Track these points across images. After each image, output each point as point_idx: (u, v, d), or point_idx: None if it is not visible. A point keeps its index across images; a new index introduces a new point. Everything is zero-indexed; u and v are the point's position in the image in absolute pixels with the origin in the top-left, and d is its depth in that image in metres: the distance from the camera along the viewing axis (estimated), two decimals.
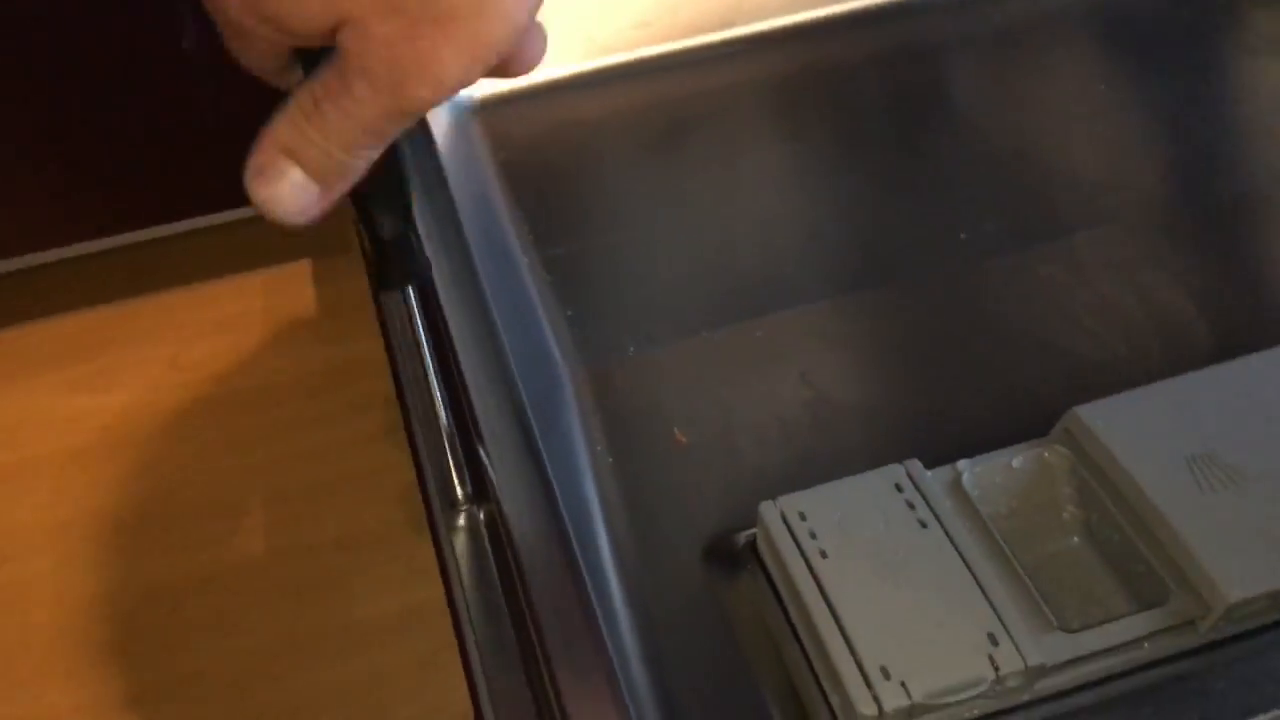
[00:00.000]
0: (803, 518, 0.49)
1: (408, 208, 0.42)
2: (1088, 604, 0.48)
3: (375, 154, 0.34)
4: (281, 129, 0.33)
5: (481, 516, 0.56)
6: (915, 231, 0.69)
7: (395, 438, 0.90)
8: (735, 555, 0.52)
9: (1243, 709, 0.42)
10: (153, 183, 1.04)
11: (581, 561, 0.50)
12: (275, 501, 1.00)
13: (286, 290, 1.15)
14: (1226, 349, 0.57)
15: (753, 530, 0.52)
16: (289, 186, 0.33)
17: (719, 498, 0.55)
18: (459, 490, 0.55)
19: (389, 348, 0.65)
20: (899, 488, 0.50)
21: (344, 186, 0.34)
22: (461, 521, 0.56)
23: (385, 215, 0.41)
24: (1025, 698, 0.45)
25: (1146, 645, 0.45)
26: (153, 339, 1.11)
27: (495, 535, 0.54)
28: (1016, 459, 0.51)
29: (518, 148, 0.79)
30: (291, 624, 0.89)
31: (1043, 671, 0.44)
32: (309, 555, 0.94)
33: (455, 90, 0.32)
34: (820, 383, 0.60)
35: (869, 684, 0.43)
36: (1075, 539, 0.51)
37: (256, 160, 0.33)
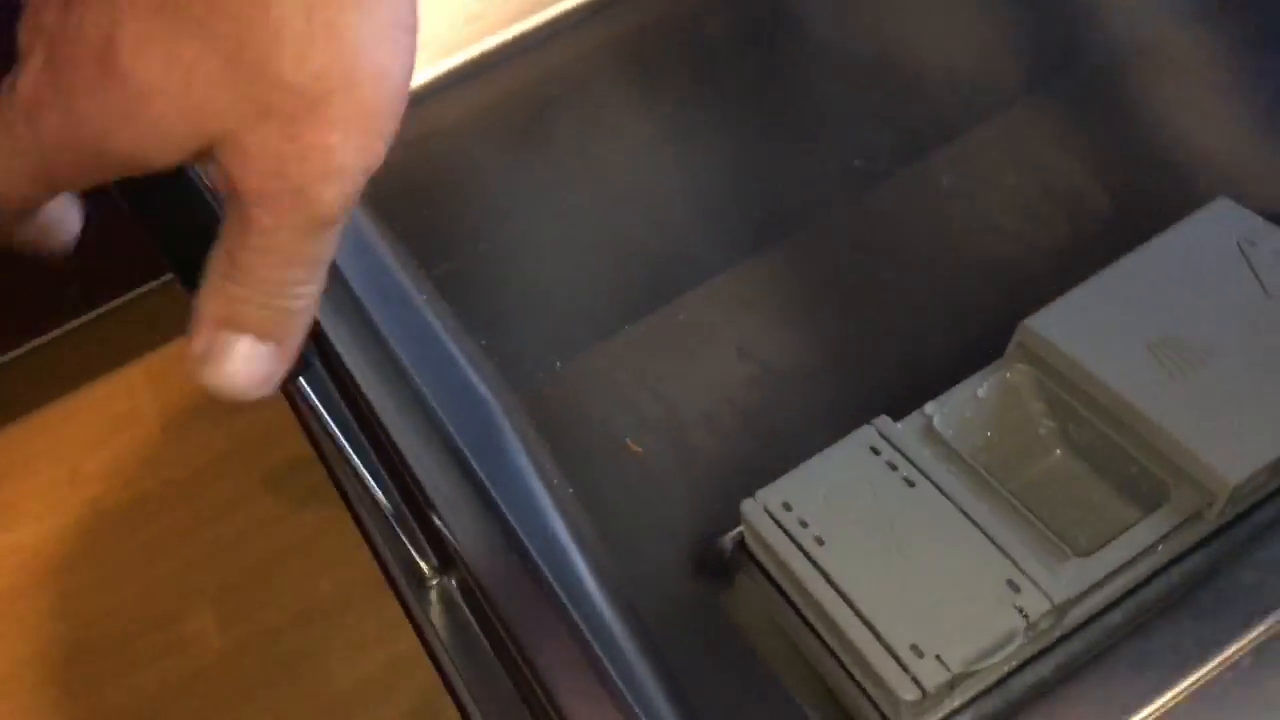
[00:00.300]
0: (788, 507, 0.47)
1: None
2: (1089, 518, 0.47)
3: (319, 286, 0.30)
4: (208, 302, 0.29)
5: (454, 584, 0.52)
6: (807, 170, 0.67)
7: (324, 495, 0.85)
8: (726, 561, 0.49)
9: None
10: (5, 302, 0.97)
11: (572, 611, 0.47)
12: (221, 595, 0.95)
13: (171, 373, 1.09)
14: (1144, 217, 0.56)
15: (738, 530, 0.49)
16: (241, 360, 0.29)
17: (692, 502, 0.52)
18: (424, 566, 0.51)
19: (309, 436, 0.60)
20: (875, 450, 0.48)
21: (300, 335, 0.30)
22: (434, 597, 0.52)
23: None
24: (1057, 634, 0.43)
25: (1160, 549, 0.44)
26: (47, 459, 1.04)
27: (475, 604, 0.51)
28: (980, 388, 0.50)
29: (377, 174, 0.74)
30: (275, 713, 0.85)
31: (1069, 604, 0.43)
32: (271, 639, 0.90)
33: (363, 176, 0.28)
34: (759, 353, 0.58)
35: (904, 667, 0.41)
36: (1057, 452, 0.50)
37: (196, 346, 0.29)
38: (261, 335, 0.29)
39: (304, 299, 0.29)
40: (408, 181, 0.73)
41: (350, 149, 0.27)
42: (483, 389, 0.59)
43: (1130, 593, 0.44)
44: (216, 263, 0.29)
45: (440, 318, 0.63)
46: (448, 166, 0.74)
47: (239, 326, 0.29)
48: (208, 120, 0.27)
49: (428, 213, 0.71)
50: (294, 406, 0.65)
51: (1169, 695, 0.39)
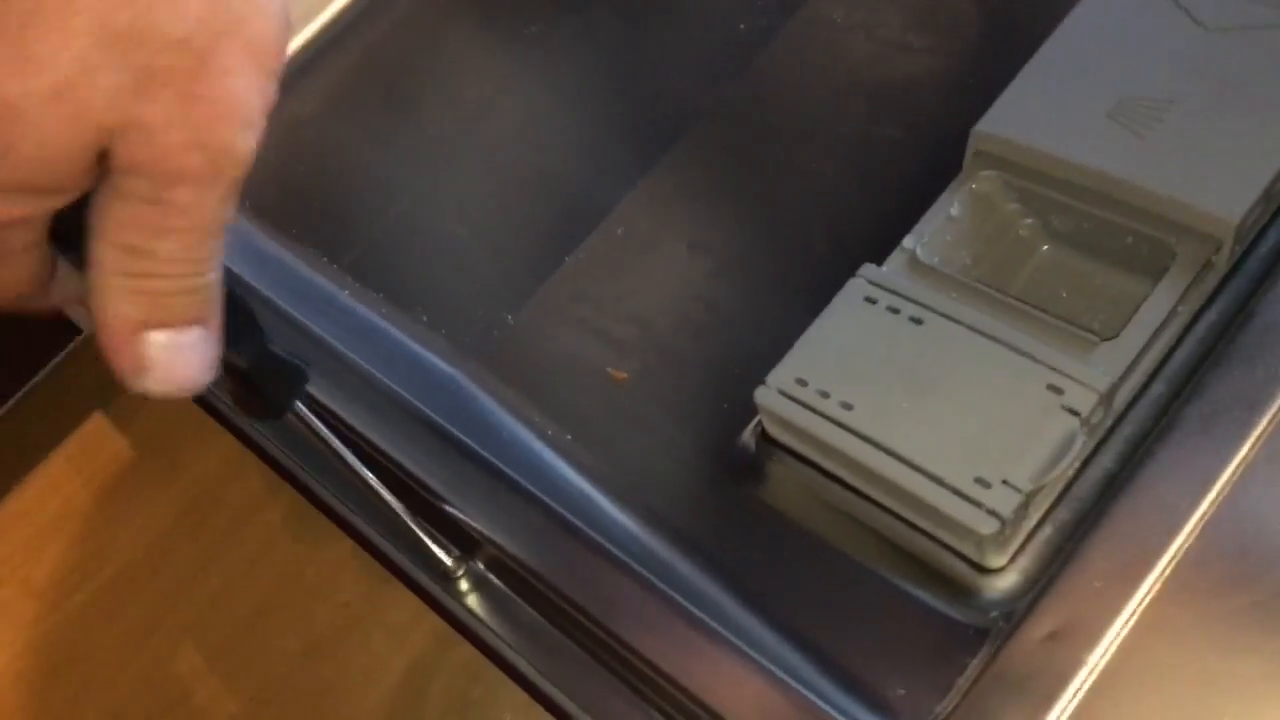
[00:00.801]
0: (802, 383, 0.44)
1: (254, 325, 0.34)
2: (1100, 303, 0.46)
3: (221, 250, 0.27)
4: (118, 306, 0.26)
5: (481, 566, 0.49)
6: (692, 50, 0.64)
7: (294, 529, 0.81)
8: (753, 457, 0.47)
9: None
10: None
11: (612, 549, 0.45)
12: (219, 657, 0.91)
13: (93, 453, 1.02)
14: None
15: (756, 422, 0.47)
16: (180, 354, 0.27)
17: (697, 412, 0.50)
18: (446, 558, 0.48)
19: (275, 467, 0.56)
20: (870, 300, 0.46)
21: (219, 307, 0.28)
22: (464, 585, 0.49)
23: (232, 344, 0.33)
24: (1109, 423, 0.42)
25: (1181, 309, 0.43)
26: None
27: (510, 576, 0.48)
28: (952, 207, 0.48)
29: (254, 183, 0.69)
30: None
31: (1114, 390, 0.41)
32: (286, 685, 0.86)
33: (264, 114, 0.26)
34: (711, 244, 0.55)
35: (976, 503, 0.40)
36: (1045, 248, 0.48)
37: (123, 361, 0.26)
38: (192, 321, 0.27)
39: (219, 267, 0.27)
40: (287, 181, 0.68)
41: (253, 91, 0.25)
42: (443, 364, 0.55)
43: (1165, 360, 0.43)
44: (113, 263, 0.26)
45: (373, 307, 0.59)
46: (322, 154, 0.70)
47: (165, 322, 0.26)
48: (95, 113, 0.23)
49: (317, 206, 0.67)
50: (249, 444, 0.61)
51: (1245, 447, 0.38)
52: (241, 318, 0.33)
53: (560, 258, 0.58)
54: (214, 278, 0.27)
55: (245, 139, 0.25)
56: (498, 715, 0.66)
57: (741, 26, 0.63)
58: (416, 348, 0.56)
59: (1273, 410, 0.37)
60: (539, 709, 0.46)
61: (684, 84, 0.63)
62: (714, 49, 0.63)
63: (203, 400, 0.61)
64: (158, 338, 0.26)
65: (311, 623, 0.79)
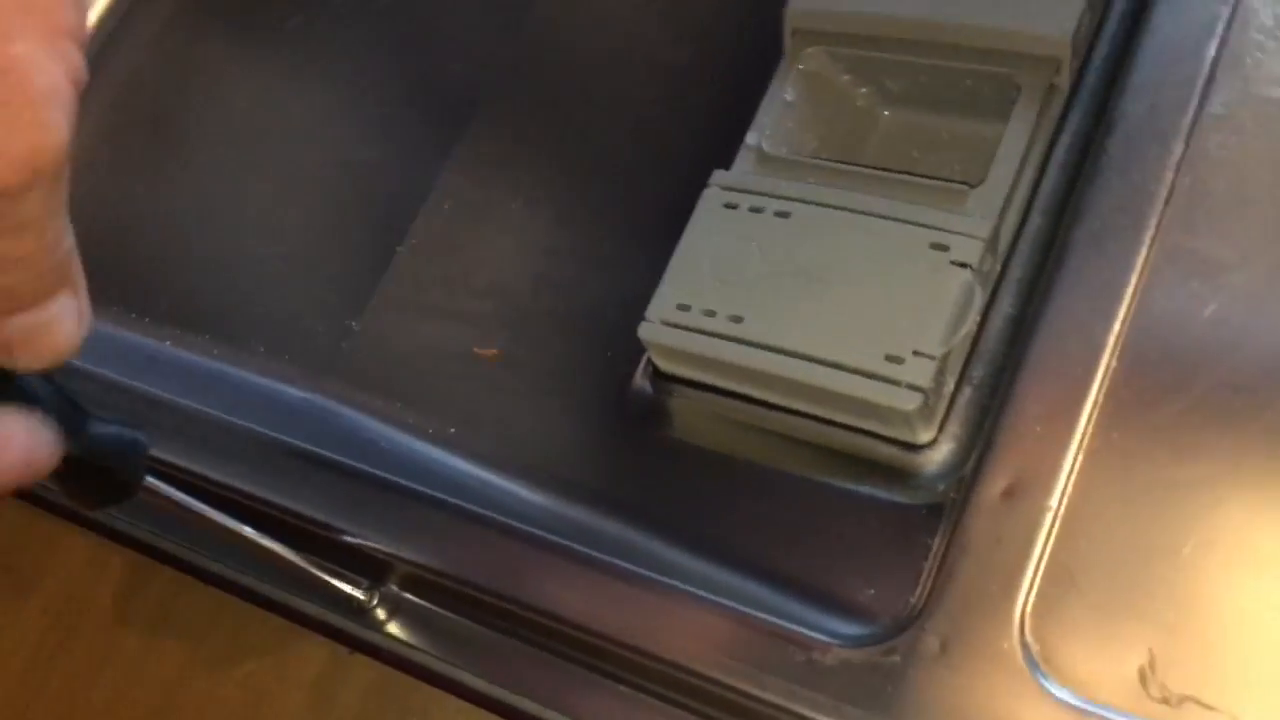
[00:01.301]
0: (685, 309, 0.42)
1: (71, 406, 0.30)
2: (957, 153, 0.45)
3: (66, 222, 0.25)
4: None
5: (395, 589, 0.45)
6: (464, 18, 0.60)
7: (176, 613, 0.75)
8: (652, 399, 0.44)
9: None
10: None
11: (542, 533, 0.42)
12: None
13: None
14: None
15: (645, 360, 0.44)
16: (48, 328, 0.25)
17: (579, 367, 0.47)
18: (357, 593, 0.44)
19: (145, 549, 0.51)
20: (730, 206, 0.43)
21: (78, 269, 0.26)
22: (382, 614, 0.45)
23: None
24: (998, 267, 0.41)
25: (1039, 138, 0.42)
26: None
27: (429, 588, 0.44)
28: (785, 93, 0.46)
29: None
30: None
31: (996, 234, 0.40)
32: None
33: (73, 88, 0.22)
34: (546, 194, 0.52)
35: (893, 381, 0.38)
36: (886, 113, 0.47)
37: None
38: (50, 295, 0.25)
39: (69, 235, 0.25)
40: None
41: (46, 56, 0.21)
42: (295, 390, 0.51)
43: (1035, 191, 0.42)
44: None
45: (203, 351, 0.54)
46: (101, 206, 0.63)
47: (20, 307, 0.24)
48: None
49: (110, 262, 0.60)
50: (107, 535, 0.55)
51: (1141, 254, 0.37)
52: (56, 403, 0.28)
53: (391, 249, 0.54)
54: (66, 248, 0.25)
55: (52, 111, 0.22)
56: None
57: None
58: (262, 380, 0.51)
59: (1158, 211, 0.37)
60: None
61: (471, 43, 0.59)
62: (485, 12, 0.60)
63: (43, 501, 0.55)
64: (19, 321, 0.25)
65: (221, 705, 0.72)
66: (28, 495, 0.55)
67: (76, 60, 0.22)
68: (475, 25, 0.59)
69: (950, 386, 0.40)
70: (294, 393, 0.50)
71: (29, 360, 0.25)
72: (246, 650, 0.62)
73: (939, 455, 0.39)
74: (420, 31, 0.61)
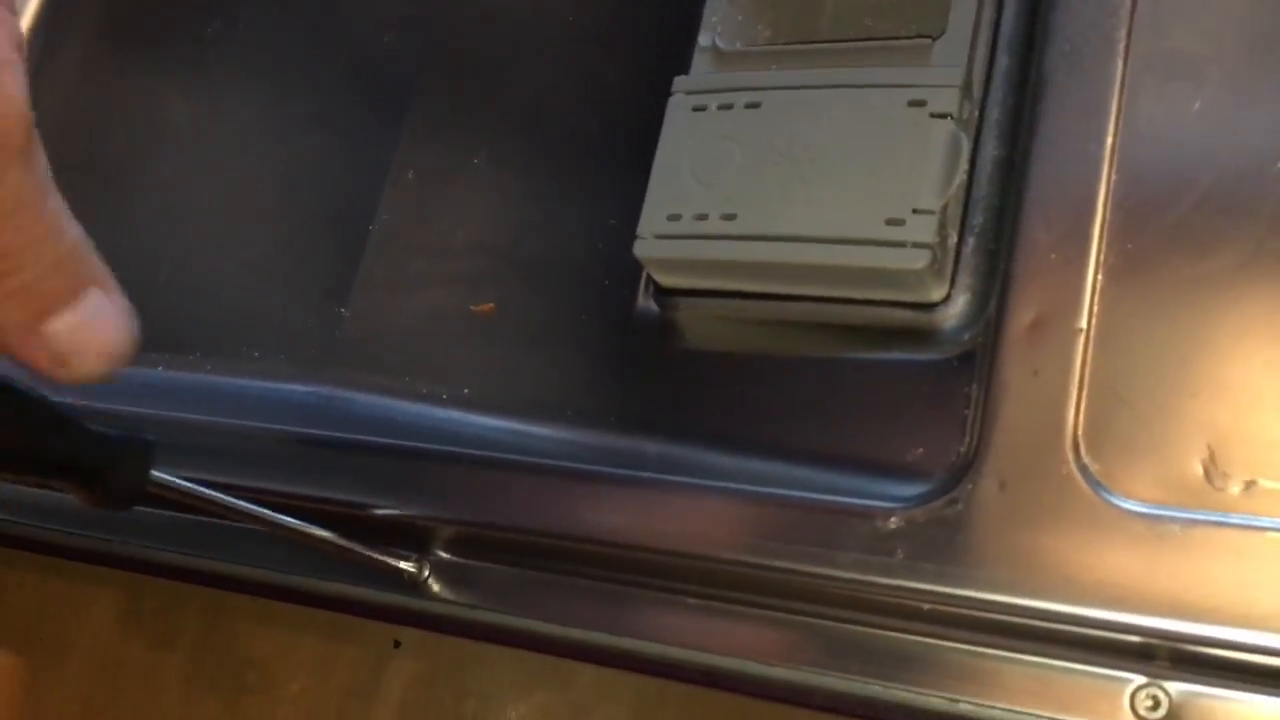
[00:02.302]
0: (675, 218, 0.42)
1: (48, 408, 0.30)
2: (911, 9, 0.44)
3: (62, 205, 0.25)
4: (4, 321, 0.24)
5: (444, 554, 0.45)
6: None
7: (204, 644, 0.74)
8: (659, 316, 0.44)
9: None
10: None
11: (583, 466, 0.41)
12: None
13: None
14: None
15: (645, 281, 0.44)
16: (90, 328, 0.25)
17: (582, 301, 0.46)
18: (409, 567, 0.44)
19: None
20: (699, 108, 0.43)
21: (98, 261, 0.26)
22: (436, 585, 0.45)
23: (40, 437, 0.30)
24: (976, 112, 0.41)
25: None
26: None
27: (481, 545, 0.44)
28: None
29: None
30: None
31: (969, 78, 0.40)
32: None
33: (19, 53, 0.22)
34: (509, 143, 0.52)
35: (898, 243, 0.38)
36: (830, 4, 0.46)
37: (41, 363, 0.25)
38: (79, 290, 0.25)
39: (71, 222, 0.25)
40: None
41: None
42: (301, 387, 0.50)
43: (997, 29, 0.41)
44: None
45: (196, 369, 0.53)
46: None
47: (52, 308, 0.24)
48: None
49: None
50: (134, 590, 0.54)
51: (1119, 69, 0.37)
52: (32, 410, 0.29)
53: (364, 229, 0.53)
54: (74, 236, 0.24)
55: (7, 98, 0.22)
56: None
57: None
58: (264, 383, 0.51)
59: (1126, 20, 0.37)
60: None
61: (393, 11, 0.58)
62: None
63: (62, 551, 0.54)
64: (57, 325, 0.24)
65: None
66: (43, 548, 0.54)
67: (14, 26, 0.22)
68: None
69: (954, 239, 0.39)
70: (299, 389, 0.50)
71: (83, 367, 0.25)
72: (295, 668, 0.62)
73: (956, 309, 0.39)
74: (341, 11, 0.60)
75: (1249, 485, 0.31)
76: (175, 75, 0.63)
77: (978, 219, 0.40)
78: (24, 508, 0.53)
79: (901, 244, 0.38)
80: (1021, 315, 0.35)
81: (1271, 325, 0.33)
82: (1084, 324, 0.34)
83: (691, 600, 0.39)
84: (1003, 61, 0.41)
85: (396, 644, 0.48)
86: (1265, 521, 0.31)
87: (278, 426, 0.46)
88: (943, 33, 0.41)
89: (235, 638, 0.54)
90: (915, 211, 0.38)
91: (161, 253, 0.58)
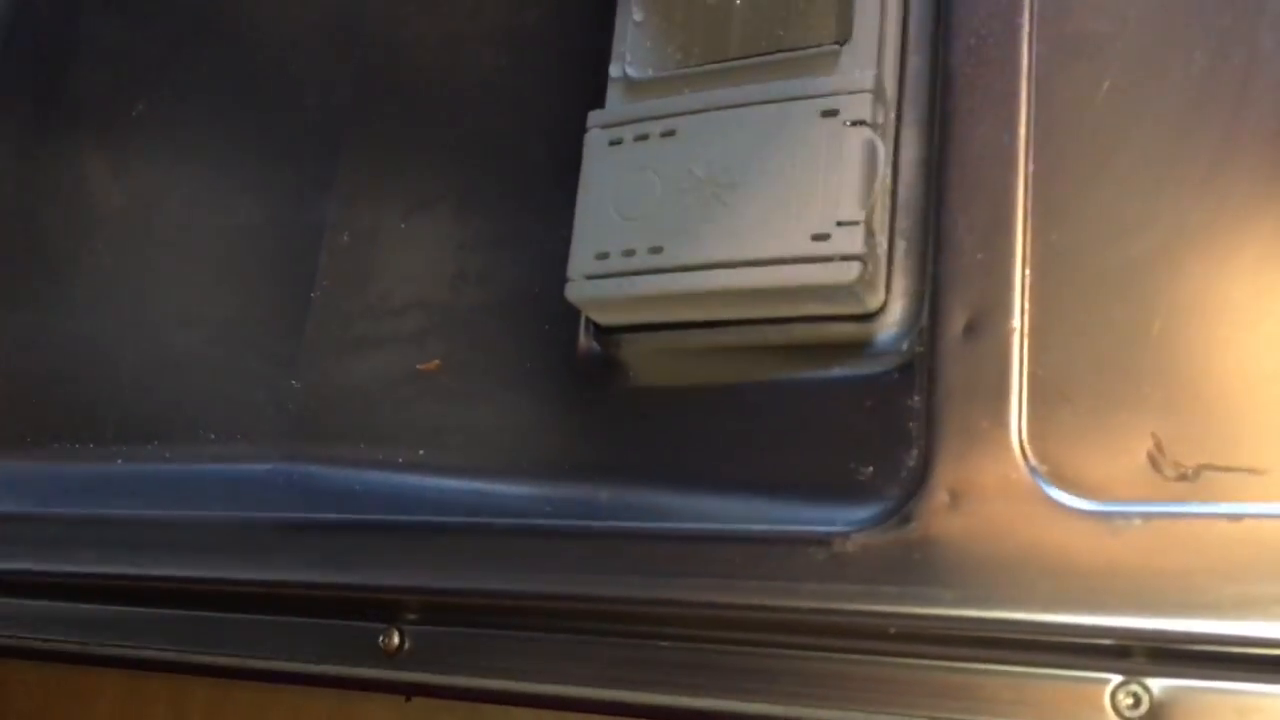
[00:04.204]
0: (604, 256, 0.41)
1: None
2: (820, 13, 0.43)
3: None
4: None
5: (411, 621, 0.44)
6: (301, 56, 0.59)
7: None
8: (603, 355, 0.43)
9: None
10: None
11: (542, 522, 0.41)
12: None
13: None
14: None
15: (584, 321, 0.43)
16: None
17: (525, 348, 0.46)
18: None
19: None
20: (616, 142, 0.42)
21: None
22: (408, 645, 0.44)
23: None
24: (892, 114, 0.40)
25: None
26: None
27: (450, 612, 0.43)
28: (633, 12, 0.45)
29: None
30: None
31: (879, 80, 0.39)
32: None
33: None
34: (436, 192, 0.51)
35: (826, 259, 0.37)
36: (737, 2, 0.45)
37: None
38: None
39: None
40: None
41: None
42: (259, 466, 0.50)
43: (905, 26, 0.41)
44: None
45: (154, 460, 0.52)
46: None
47: None
48: None
49: (43, 397, 0.59)
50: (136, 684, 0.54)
51: (1024, 56, 0.36)
52: None
53: (306, 296, 0.53)
54: None
55: None
56: None
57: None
58: (223, 468, 0.50)
59: (1028, 6, 0.36)
60: None
61: (313, 77, 0.57)
62: (324, 38, 0.58)
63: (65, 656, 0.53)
64: None
65: None
66: (44, 656, 0.54)
67: None
68: (313, 60, 0.58)
69: (884, 245, 0.39)
70: (258, 468, 0.49)
71: None
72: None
73: (893, 316, 0.38)
74: (261, 81, 0.59)
75: (1199, 471, 0.30)
76: (106, 156, 0.63)
77: (905, 221, 0.39)
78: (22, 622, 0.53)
79: (829, 258, 0.37)
80: (955, 320, 0.34)
81: (1204, 304, 0.32)
82: (1017, 323, 0.33)
83: (664, 644, 0.39)
84: (914, 61, 0.40)
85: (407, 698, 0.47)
86: (1220, 508, 0.30)
87: (238, 514, 0.45)
88: (849, 38, 0.40)
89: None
90: (840, 224, 0.37)
91: (108, 338, 0.58)
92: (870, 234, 0.37)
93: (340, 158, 0.53)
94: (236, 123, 0.58)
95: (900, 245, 0.39)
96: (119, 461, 0.54)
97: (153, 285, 0.57)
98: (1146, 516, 0.30)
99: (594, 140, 0.42)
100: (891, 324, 0.38)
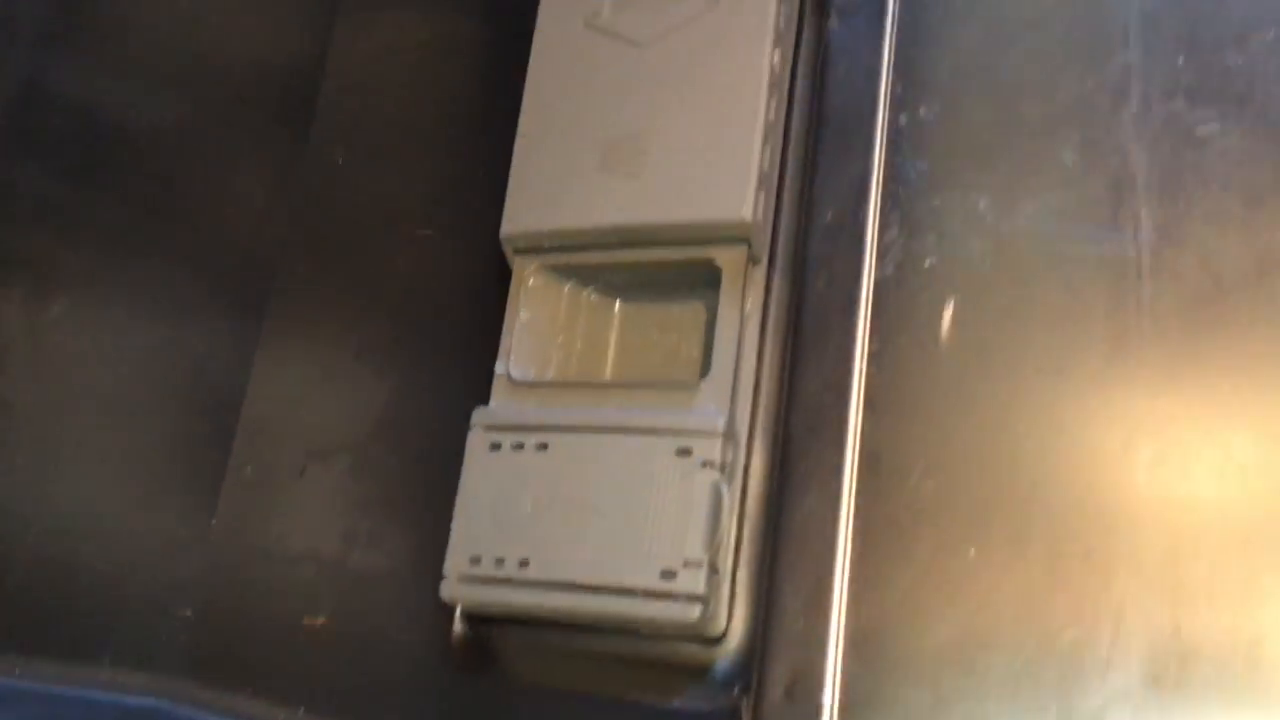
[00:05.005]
0: (476, 560, 0.44)
1: None
2: (691, 327, 0.47)
3: None
4: None
5: None
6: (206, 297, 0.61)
7: None
8: (473, 640, 0.46)
9: None
10: None
11: None
12: None
13: None
14: None
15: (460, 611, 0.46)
16: None
17: (407, 622, 0.48)
18: None
19: None
20: (495, 445, 0.45)
21: None
22: None
23: None
24: (744, 452, 0.44)
25: (749, 308, 0.45)
26: None
27: None
28: (520, 313, 0.48)
29: None
30: None
31: (731, 423, 0.43)
32: None
33: None
34: (332, 439, 0.54)
35: (671, 596, 0.41)
36: (619, 303, 0.49)
37: None
38: None
39: None
40: None
41: None
42: (151, 701, 0.52)
43: (761, 358, 0.44)
44: None
45: (41, 681, 0.54)
46: None
47: None
48: None
49: None
50: None
51: (849, 443, 0.40)
52: None
53: (206, 523, 0.55)
54: None
55: None
56: None
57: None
58: (109, 696, 0.52)
59: (854, 406, 0.40)
60: None
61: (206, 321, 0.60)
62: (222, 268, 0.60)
63: None
64: None
65: None
66: None
67: None
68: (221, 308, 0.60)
69: (727, 578, 0.42)
70: (149, 703, 0.52)
71: None
72: None
73: (734, 643, 0.41)
74: (173, 313, 0.61)
75: None
76: (26, 365, 0.64)
77: (750, 549, 0.42)
78: None
79: (675, 596, 0.40)
80: (778, 680, 0.38)
81: (1008, 694, 0.36)
82: (827, 700, 0.37)
83: None
84: (765, 401, 0.44)
85: None
86: None
87: None
88: (708, 373, 0.43)
89: None
90: (686, 564, 0.41)
91: (15, 541, 0.60)
92: (715, 572, 0.41)
93: (242, 404, 0.56)
94: (146, 343, 0.60)
95: (742, 570, 0.42)
96: (17, 670, 0.56)
97: (59, 493, 0.59)
98: None
99: (475, 441, 0.46)
100: (731, 650, 0.41)
